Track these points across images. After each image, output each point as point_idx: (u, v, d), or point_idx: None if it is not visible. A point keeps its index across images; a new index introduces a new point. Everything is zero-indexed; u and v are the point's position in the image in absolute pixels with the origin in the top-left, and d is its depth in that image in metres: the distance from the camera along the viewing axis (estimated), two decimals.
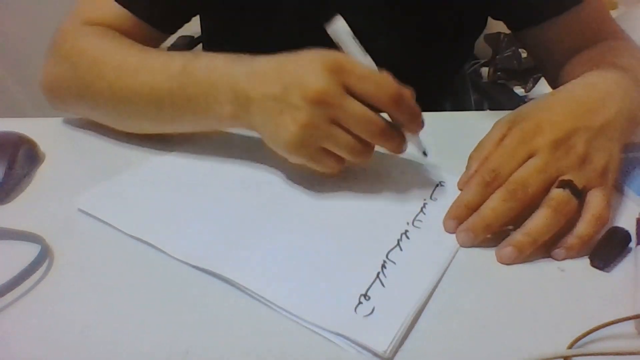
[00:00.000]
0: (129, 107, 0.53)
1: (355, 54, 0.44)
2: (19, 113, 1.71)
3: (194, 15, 0.72)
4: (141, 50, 0.55)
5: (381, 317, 0.36)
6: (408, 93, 0.44)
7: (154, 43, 0.65)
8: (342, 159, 0.46)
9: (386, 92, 0.42)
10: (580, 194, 0.43)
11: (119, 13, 0.61)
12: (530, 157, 0.44)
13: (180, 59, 0.50)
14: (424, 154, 0.49)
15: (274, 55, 0.46)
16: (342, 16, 0.44)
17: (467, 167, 0.49)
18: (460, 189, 0.49)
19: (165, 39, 0.68)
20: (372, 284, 0.39)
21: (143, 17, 0.62)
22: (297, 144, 0.43)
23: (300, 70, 0.43)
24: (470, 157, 0.49)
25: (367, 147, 0.45)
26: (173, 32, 0.68)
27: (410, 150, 0.48)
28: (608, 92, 0.48)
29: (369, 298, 0.38)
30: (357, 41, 0.44)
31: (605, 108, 0.47)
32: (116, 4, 0.61)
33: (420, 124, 0.46)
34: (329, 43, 0.46)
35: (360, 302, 0.37)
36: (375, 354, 0.34)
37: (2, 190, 0.49)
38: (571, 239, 0.42)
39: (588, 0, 0.64)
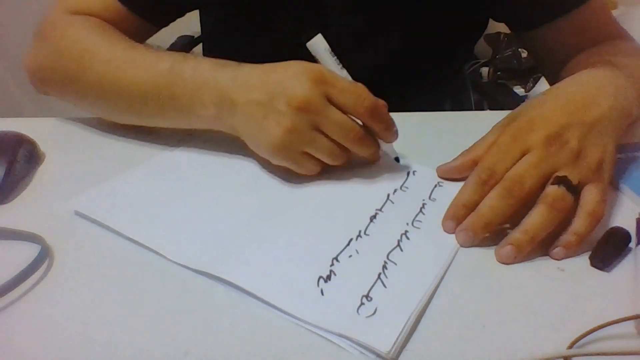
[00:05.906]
0: (114, 99, 0.55)
1: (332, 68, 0.48)
2: (19, 113, 1.71)
3: (188, 11, 0.72)
4: (131, 46, 0.56)
5: (384, 318, 0.36)
6: (382, 105, 0.47)
7: (143, 35, 0.66)
8: (321, 162, 0.49)
9: (363, 104, 0.46)
10: (575, 190, 0.43)
11: (108, 3, 0.61)
12: (524, 154, 0.44)
13: (168, 58, 0.52)
14: (397, 159, 0.52)
15: (258, 65, 0.49)
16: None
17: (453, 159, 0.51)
18: (440, 177, 0.52)
19: (154, 32, 0.67)
20: (374, 285, 0.39)
21: (133, 8, 0.62)
22: (280, 147, 0.46)
23: (286, 80, 0.46)
24: (460, 154, 0.51)
25: (345, 151, 0.48)
26: (164, 26, 0.68)
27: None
28: (600, 88, 0.48)
29: (371, 299, 0.38)
30: (335, 57, 0.48)
31: (597, 104, 0.47)
32: None
33: (394, 134, 0.50)
34: (328, 43, 0.46)
35: (362, 303, 0.37)
36: (378, 355, 0.34)
37: (2, 190, 0.49)
38: (568, 237, 0.42)
39: (590, 2, 0.64)
